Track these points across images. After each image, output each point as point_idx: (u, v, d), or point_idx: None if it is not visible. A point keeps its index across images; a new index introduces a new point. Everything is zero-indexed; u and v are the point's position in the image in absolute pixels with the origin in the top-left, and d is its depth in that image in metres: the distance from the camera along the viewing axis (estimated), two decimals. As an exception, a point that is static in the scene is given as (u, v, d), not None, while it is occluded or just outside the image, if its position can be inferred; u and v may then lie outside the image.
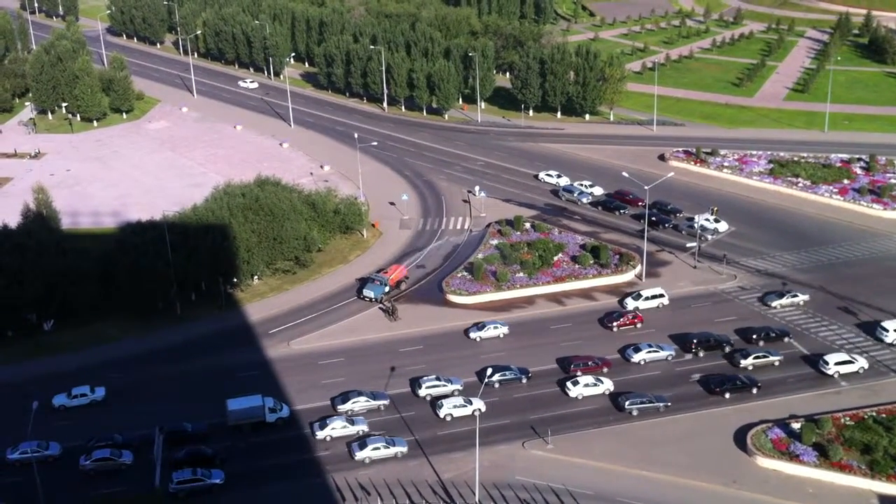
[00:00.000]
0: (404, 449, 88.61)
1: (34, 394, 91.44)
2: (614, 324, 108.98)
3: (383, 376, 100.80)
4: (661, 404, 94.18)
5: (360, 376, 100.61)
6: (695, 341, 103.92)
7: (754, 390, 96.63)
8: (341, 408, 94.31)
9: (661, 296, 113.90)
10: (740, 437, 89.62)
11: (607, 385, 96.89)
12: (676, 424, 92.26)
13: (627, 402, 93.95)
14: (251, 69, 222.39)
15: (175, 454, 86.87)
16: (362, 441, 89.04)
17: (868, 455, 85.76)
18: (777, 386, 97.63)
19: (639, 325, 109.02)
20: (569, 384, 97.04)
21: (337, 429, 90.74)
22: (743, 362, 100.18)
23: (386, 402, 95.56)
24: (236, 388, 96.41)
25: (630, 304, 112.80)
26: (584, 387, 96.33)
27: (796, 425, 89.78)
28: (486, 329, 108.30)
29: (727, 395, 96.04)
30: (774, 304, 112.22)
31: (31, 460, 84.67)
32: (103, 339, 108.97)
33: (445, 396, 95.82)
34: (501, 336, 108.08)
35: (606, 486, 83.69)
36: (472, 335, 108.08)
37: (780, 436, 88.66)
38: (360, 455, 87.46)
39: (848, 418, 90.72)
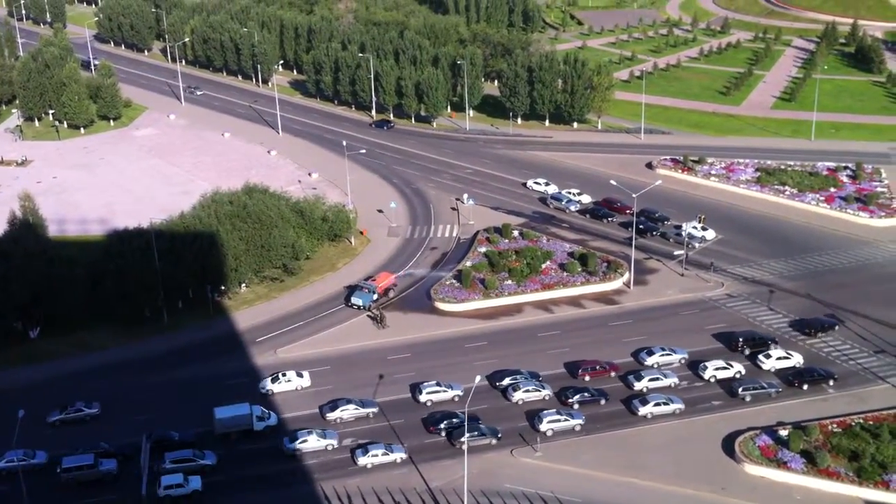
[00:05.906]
0: (681, 406, 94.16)
1: (20, 402, 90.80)
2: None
3: (371, 384, 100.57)
4: (773, 390, 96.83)
5: (348, 384, 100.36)
6: (740, 340, 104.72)
7: (831, 382, 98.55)
8: (330, 416, 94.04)
9: None
10: (728, 445, 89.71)
11: (797, 358, 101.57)
12: (664, 431, 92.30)
13: (741, 388, 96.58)
14: (240, 77, 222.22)
15: None
16: (643, 398, 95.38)
17: (855, 462, 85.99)
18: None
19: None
20: (761, 357, 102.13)
21: (652, 381, 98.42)
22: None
23: (375, 409, 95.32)
24: (224, 396, 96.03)
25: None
26: (777, 360, 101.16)
27: (784, 432, 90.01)
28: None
29: (805, 387, 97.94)
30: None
31: (16, 469, 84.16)
32: (90, 347, 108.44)
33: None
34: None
35: (595, 494, 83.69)
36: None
37: (768, 443, 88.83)
38: (642, 411, 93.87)
39: (835, 425, 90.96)
